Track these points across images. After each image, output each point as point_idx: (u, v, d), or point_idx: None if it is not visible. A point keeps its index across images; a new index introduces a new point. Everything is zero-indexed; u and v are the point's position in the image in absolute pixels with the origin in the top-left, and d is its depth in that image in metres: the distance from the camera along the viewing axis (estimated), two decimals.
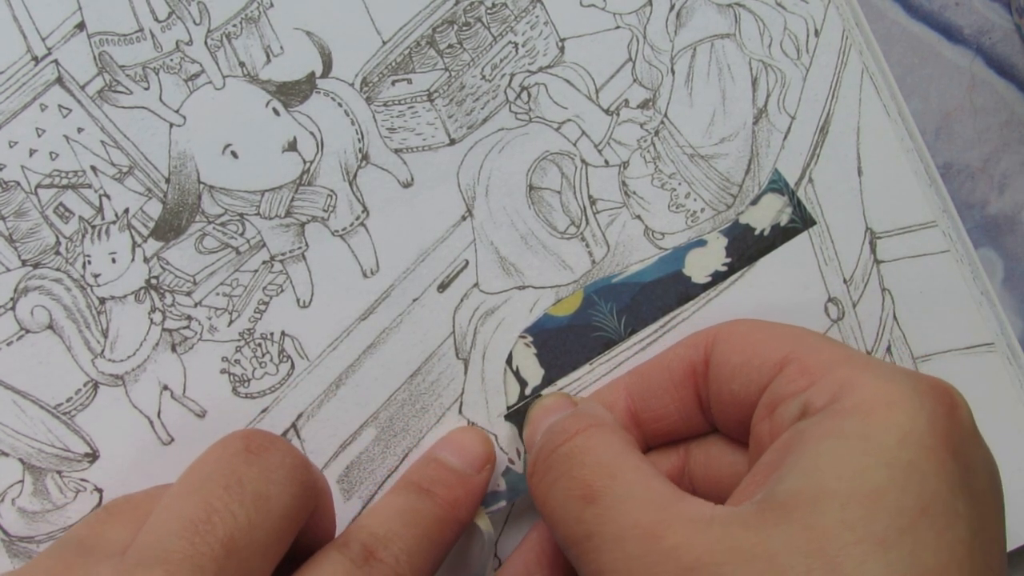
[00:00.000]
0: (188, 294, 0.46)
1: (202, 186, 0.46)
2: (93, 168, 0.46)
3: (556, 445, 0.42)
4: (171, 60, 0.46)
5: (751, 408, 0.41)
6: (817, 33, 0.48)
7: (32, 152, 0.46)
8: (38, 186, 0.46)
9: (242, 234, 0.46)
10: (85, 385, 0.46)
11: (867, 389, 0.37)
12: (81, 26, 0.45)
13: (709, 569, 0.34)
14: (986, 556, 0.35)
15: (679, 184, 0.48)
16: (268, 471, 0.39)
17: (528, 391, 0.48)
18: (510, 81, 0.48)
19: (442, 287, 0.47)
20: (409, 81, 0.47)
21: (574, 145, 0.48)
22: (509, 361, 0.48)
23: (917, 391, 0.37)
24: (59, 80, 0.45)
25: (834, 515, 0.34)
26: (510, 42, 0.48)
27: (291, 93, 0.47)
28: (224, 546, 0.36)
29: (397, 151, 0.47)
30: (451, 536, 0.44)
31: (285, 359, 0.47)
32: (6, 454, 0.46)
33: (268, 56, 0.46)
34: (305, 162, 0.47)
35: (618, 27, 0.48)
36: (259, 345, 0.46)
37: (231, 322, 0.46)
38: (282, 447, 0.40)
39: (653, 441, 0.45)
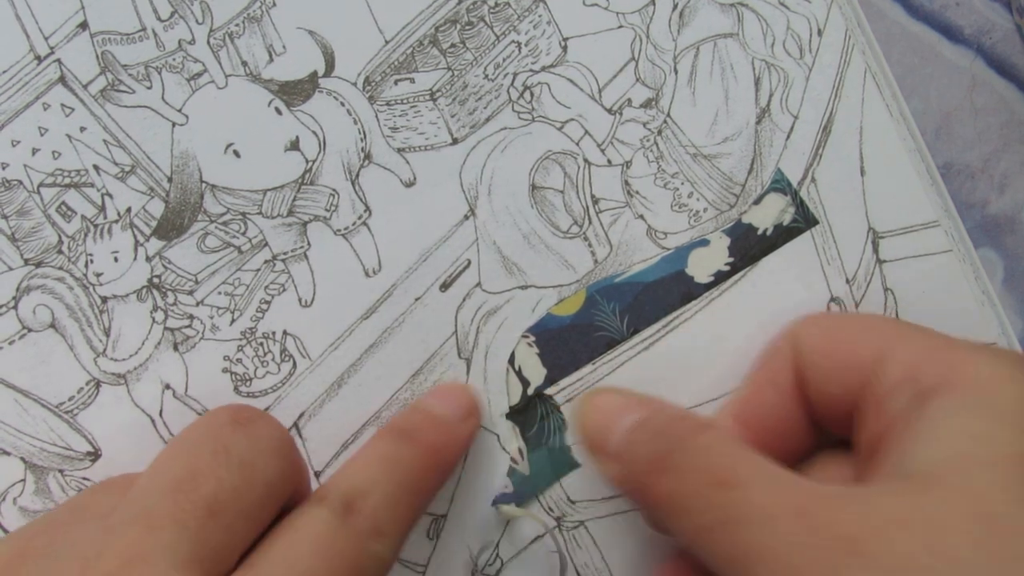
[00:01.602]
0: (190, 293, 0.46)
1: (204, 185, 0.45)
2: (95, 167, 0.45)
3: (677, 442, 0.39)
4: (174, 59, 0.45)
5: (852, 407, 0.40)
6: (820, 32, 0.47)
7: (35, 151, 0.45)
8: (40, 185, 0.45)
9: (244, 233, 0.46)
10: (87, 384, 0.45)
11: (979, 367, 0.37)
12: (84, 25, 0.45)
13: (872, 538, 0.33)
14: None
15: (682, 184, 0.47)
16: (255, 441, 0.39)
17: (530, 391, 0.47)
18: (513, 80, 0.47)
19: (444, 286, 0.47)
20: (412, 80, 0.46)
21: (577, 144, 0.47)
22: (511, 361, 0.47)
23: None
24: (62, 79, 0.45)
25: (984, 478, 0.34)
26: (513, 41, 0.47)
27: (293, 92, 0.46)
28: (208, 506, 0.36)
29: (399, 150, 0.46)
30: (433, 484, 0.43)
31: (287, 358, 0.46)
32: (8, 453, 0.45)
33: (270, 55, 0.46)
34: (307, 161, 0.46)
35: (621, 26, 0.47)
36: (261, 344, 0.46)
37: (233, 321, 0.46)
38: (269, 421, 0.40)
39: None
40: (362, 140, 0.46)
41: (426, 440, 0.43)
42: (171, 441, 0.39)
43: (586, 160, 0.47)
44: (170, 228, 0.45)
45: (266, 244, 0.46)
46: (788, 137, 0.47)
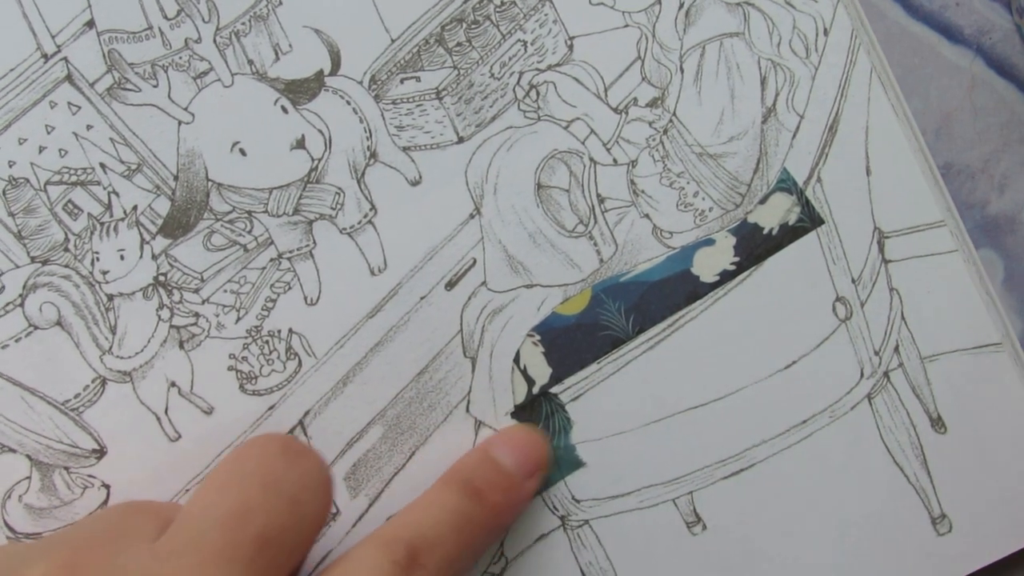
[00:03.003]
0: (196, 291, 0.45)
1: (210, 183, 0.45)
2: (102, 165, 0.45)
3: None
4: (180, 58, 0.45)
5: None
6: (826, 32, 0.47)
7: (41, 149, 0.44)
8: (47, 183, 0.44)
9: (250, 231, 0.45)
10: (93, 381, 0.45)
11: None
12: (90, 24, 0.44)
13: None
14: None
15: (687, 183, 0.46)
16: (303, 475, 0.38)
17: (536, 389, 0.46)
18: (519, 79, 0.46)
19: (450, 285, 0.46)
20: (418, 79, 0.46)
21: (583, 143, 0.46)
22: (517, 359, 0.46)
23: None
24: (68, 77, 0.44)
25: None
26: (519, 40, 0.46)
27: (299, 91, 0.45)
28: (258, 541, 0.36)
29: (405, 149, 0.46)
30: (490, 544, 0.44)
31: (292, 356, 0.45)
32: (14, 450, 0.45)
33: (277, 54, 0.45)
34: (313, 160, 0.45)
35: (627, 25, 0.46)
36: (266, 342, 0.45)
37: (239, 319, 0.45)
38: (316, 457, 0.40)
39: None
40: (368, 139, 0.45)
41: (493, 500, 0.42)
42: (221, 467, 0.39)
43: (592, 159, 0.46)
44: (176, 226, 0.45)
45: (272, 242, 0.45)
46: (794, 137, 0.46)
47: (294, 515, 0.37)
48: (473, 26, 0.46)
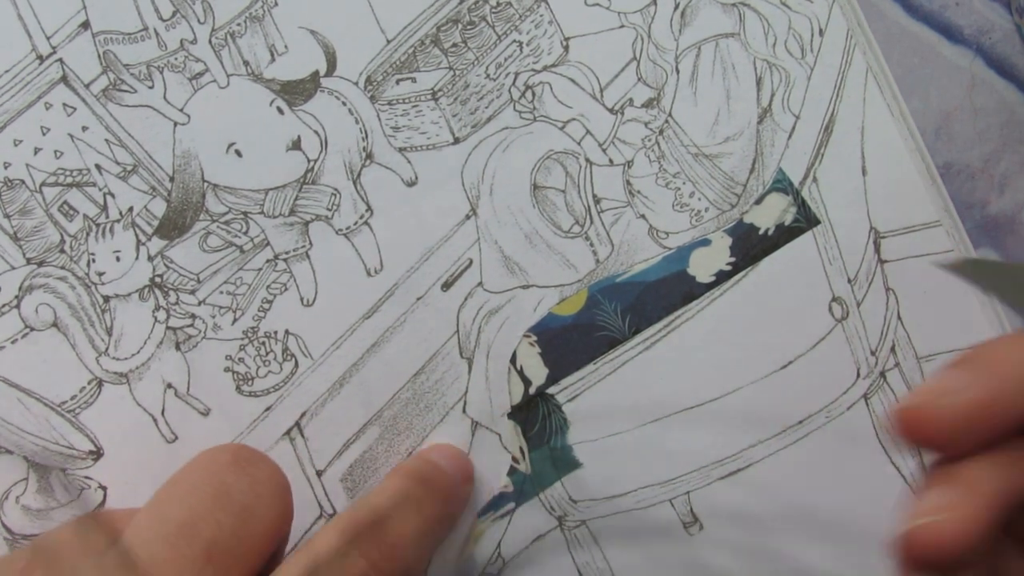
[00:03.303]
0: (192, 292, 0.45)
1: (206, 184, 0.45)
2: (97, 166, 0.45)
3: None
4: (175, 59, 0.45)
5: None
6: (822, 32, 0.47)
7: (37, 150, 0.44)
8: (43, 184, 0.44)
9: (246, 233, 0.45)
10: (89, 383, 0.45)
11: None
12: (86, 25, 0.44)
13: None
14: None
15: (683, 183, 0.46)
16: (256, 483, 0.38)
17: (532, 390, 0.46)
18: (514, 80, 0.46)
19: (446, 286, 0.46)
20: (413, 80, 0.46)
21: (578, 144, 0.46)
22: (513, 360, 0.46)
23: None
24: (64, 79, 0.44)
25: None
26: (514, 41, 0.46)
27: (295, 92, 0.45)
28: (206, 552, 0.35)
29: (401, 150, 0.46)
30: (443, 535, 0.44)
31: (289, 357, 0.45)
32: (10, 452, 0.45)
33: (272, 55, 0.45)
34: (309, 161, 0.45)
35: (622, 26, 0.46)
36: (263, 344, 0.45)
37: (235, 320, 0.45)
38: (269, 463, 0.39)
39: None
40: (364, 139, 0.46)
41: (440, 488, 0.43)
42: (172, 479, 0.38)
43: (588, 160, 0.46)
44: (172, 227, 0.45)
45: (268, 243, 0.45)
46: (790, 137, 0.47)
47: (246, 524, 0.37)
48: (469, 27, 0.46)
